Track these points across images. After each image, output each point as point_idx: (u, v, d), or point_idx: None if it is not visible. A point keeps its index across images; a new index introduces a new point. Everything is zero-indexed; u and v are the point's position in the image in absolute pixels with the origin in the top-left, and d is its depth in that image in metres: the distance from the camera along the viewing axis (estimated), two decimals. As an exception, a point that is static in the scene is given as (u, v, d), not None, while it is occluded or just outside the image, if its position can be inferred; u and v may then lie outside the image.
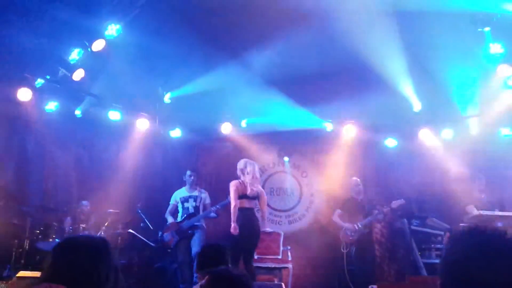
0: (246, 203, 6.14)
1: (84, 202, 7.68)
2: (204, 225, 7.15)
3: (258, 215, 6.47)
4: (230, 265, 3.63)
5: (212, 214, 6.91)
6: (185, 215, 7.07)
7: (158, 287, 7.66)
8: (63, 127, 7.54)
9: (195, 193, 7.24)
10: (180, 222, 7.05)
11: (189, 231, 6.96)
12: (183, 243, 6.96)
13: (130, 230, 7.53)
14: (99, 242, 1.81)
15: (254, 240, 6.21)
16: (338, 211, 7.72)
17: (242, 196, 6.10)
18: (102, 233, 7.22)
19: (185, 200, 7.21)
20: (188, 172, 7.33)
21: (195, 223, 6.99)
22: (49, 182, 7.64)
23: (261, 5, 6.23)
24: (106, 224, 7.36)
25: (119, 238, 7.35)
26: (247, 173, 6.17)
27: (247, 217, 6.10)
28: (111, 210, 7.51)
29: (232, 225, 6.04)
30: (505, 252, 1.31)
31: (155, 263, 7.90)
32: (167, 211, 7.28)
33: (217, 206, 6.77)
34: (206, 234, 7.13)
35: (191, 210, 7.11)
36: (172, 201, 7.31)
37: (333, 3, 5.90)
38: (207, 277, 2.05)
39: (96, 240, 1.83)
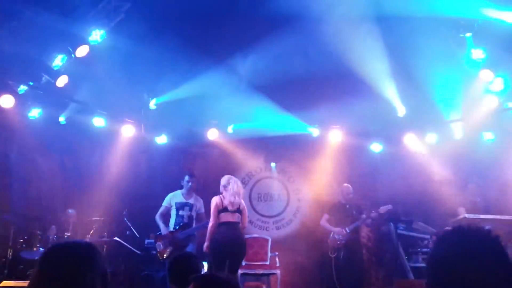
0: (230, 217, 5.97)
1: (70, 211, 7.58)
2: (195, 234, 6.93)
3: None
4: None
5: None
6: (179, 225, 6.82)
7: (145, 296, 7.58)
8: (47, 134, 7.43)
9: (191, 200, 6.98)
10: (174, 232, 6.80)
11: (184, 243, 6.72)
12: (176, 254, 6.75)
13: (116, 238, 7.44)
14: (83, 247, 1.77)
15: (239, 256, 6.04)
16: (326, 215, 7.73)
17: (223, 210, 5.96)
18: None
19: (180, 207, 6.91)
20: (186, 177, 6.99)
21: (189, 234, 6.79)
22: (32, 190, 7.51)
23: (246, 10, 6.26)
24: (91, 232, 7.28)
25: (105, 246, 7.26)
26: (230, 189, 6.03)
27: (231, 231, 5.92)
28: (96, 218, 7.45)
29: (206, 243, 5.94)
30: (489, 250, 1.32)
31: (141, 271, 7.82)
32: (159, 213, 6.96)
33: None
34: (198, 244, 6.86)
35: (186, 219, 6.84)
36: (165, 203, 7.00)
37: (318, 9, 5.95)
38: (192, 284, 1.98)
39: (81, 246, 1.79)
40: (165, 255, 6.75)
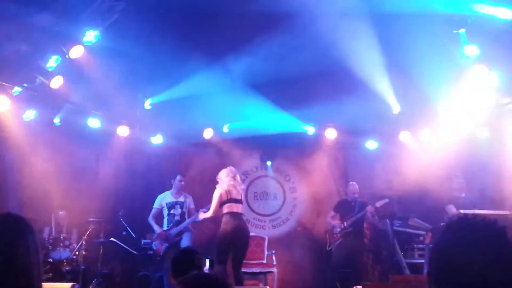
0: (235, 208, 6.15)
1: (61, 212, 7.63)
2: (190, 227, 7.17)
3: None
4: (207, 269, 3.57)
5: (199, 218, 6.92)
6: (172, 223, 7.08)
7: (142, 296, 7.56)
8: (42, 135, 7.41)
9: (181, 198, 7.25)
10: (168, 230, 7.06)
11: (177, 238, 7.01)
12: (172, 250, 6.87)
13: (112, 239, 7.44)
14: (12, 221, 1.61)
15: (245, 246, 6.22)
16: (332, 212, 7.89)
17: (228, 200, 6.11)
18: (84, 243, 7.11)
19: (171, 206, 7.19)
20: (179, 177, 7.31)
21: (182, 229, 7.04)
22: (27, 192, 7.46)
23: (238, 9, 6.25)
24: (87, 233, 7.25)
25: (101, 247, 7.25)
26: (229, 178, 6.20)
27: (237, 221, 6.10)
28: (92, 219, 7.42)
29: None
30: (495, 239, 1.29)
31: (138, 272, 7.79)
32: (151, 215, 7.23)
33: (204, 210, 6.77)
34: (193, 237, 7.20)
35: (177, 217, 7.12)
36: (156, 205, 7.26)
37: (311, 6, 5.95)
38: (180, 286, 1.96)
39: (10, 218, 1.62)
40: (161, 252, 6.98)
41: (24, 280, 1.50)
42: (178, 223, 7.06)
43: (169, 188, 7.40)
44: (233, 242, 6.01)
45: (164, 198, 7.28)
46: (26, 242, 1.56)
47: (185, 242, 6.94)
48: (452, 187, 7.20)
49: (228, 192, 6.14)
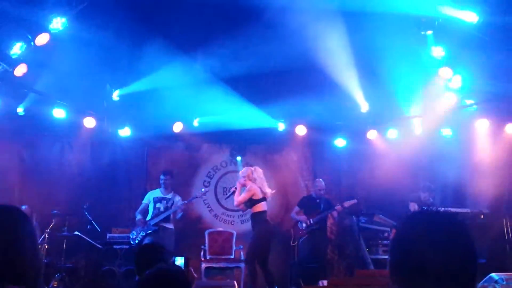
0: (266, 206, 6.22)
1: (24, 207, 7.35)
2: (173, 227, 7.23)
3: None
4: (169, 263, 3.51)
5: (179, 212, 7.14)
6: (154, 214, 7.17)
7: (106, 291, 7.44)
8: (4, 125, 7.17)
9: (169, 195, 7.31)
10: (149, 220, 7.15)
11: (155, 227, 7.06)
12: (148, 240, 6.92)
13: (77, 232, 7.28)
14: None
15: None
16: (296, 208, 7.96)
17: (262, 199, 6.15)
18: (47, 236, 6.94)
19: (158, 200, 7.27)
20: (161, 176, 7.43)
21: (162, 222, 7.10)
22: (-13, 184, 7.23)
23: (211, 2, 6.21)
24: (50, 226, 7.08)
25: (65, 240, 7.09)
26: (259, 178, 6.22)
27: (268, 220, 6.23)
28: (55, 212, 7.24)
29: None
30: (453, 230, 1.32)
31: (103, 266, 7.65)
32: (138, 210, 7.30)
33: (185, 202, 7.06)
34: (175, 238, 7.23)
35: (162, 210, 7.19)
36: (145, 200, 7.37)
37: (283, 1, 5.97)
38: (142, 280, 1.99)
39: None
40: (136, 240, 7.06)
41: (31, 265, 1.56)
42: (159, 214, 7.13)
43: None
44: (270, 241, 6.14)
45: (153, 194, 7.38)
46: (29, 230, 1.62)
47: (166, 241, 6.73)
48: (416, 186, 7.38)
49: (262, 190, 6.14)
